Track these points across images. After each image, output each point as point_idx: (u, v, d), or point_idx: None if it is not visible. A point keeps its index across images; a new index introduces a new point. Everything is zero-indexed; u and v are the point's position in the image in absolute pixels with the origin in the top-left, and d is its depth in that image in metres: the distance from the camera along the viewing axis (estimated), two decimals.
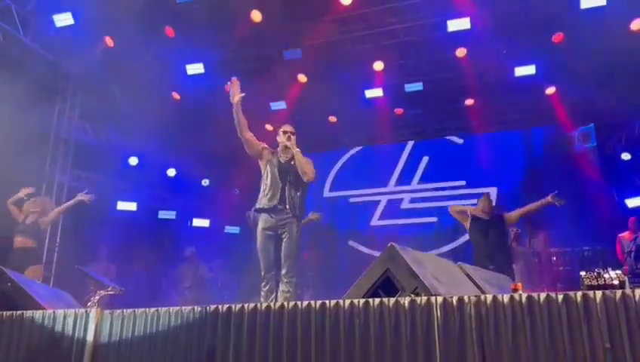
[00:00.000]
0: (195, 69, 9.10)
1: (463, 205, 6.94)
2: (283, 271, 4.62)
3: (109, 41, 8.43)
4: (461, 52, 8.85)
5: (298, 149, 4.84)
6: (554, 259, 7.88)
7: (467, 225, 6.41)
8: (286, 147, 4.87)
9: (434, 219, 10.20)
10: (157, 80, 9.29)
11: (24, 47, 7.90)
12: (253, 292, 6.48)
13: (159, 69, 9.09)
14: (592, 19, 7.88)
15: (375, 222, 10.82)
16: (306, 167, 4.77)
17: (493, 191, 9.97)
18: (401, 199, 10.77)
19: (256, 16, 8.21)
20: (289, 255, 4.63)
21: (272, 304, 3.09)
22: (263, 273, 4.72)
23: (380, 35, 8.86)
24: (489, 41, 8.69)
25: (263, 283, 4.72)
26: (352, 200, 11.17)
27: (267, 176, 4.84)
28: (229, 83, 4.82)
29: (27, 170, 7.05)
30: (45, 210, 6.54)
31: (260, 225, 4.78)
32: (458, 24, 8.17)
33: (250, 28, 8.41)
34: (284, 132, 4.91)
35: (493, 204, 6.58)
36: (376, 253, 9.93)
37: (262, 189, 4.87)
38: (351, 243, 10.78)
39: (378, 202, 10.91)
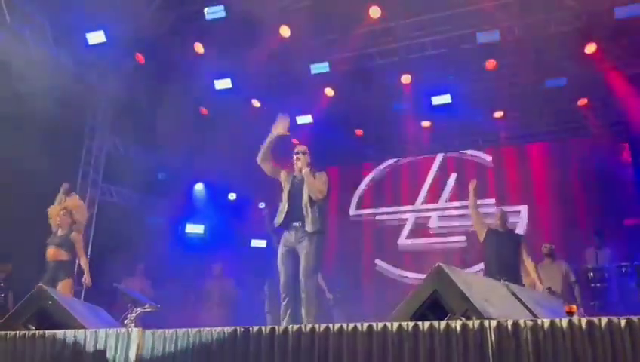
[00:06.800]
0: (223, 84, 9.16)
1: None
2: (301, 290, 4.61)
3: (140, 58, 8.53)
4: (490, 64, 8.75)
5: (307, 169, 4.83)
6: (590, 276, 7.65)
7: (482, 235, 6.16)
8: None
9: (462, 239, 9.95)
10: (185, 95, 9.37)
11: (57, 63, 8.02)
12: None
13: (188, 84, 9.17)
14: (626, 30, 7.76)
15: (402, 241, 10.53)
16: (314, 186, 4.76)
17: (523, 210, 9.72)
18: (429, 217, 10.49)
19: (284, 31, 8.26)
20: (306, 272, 4.60)
21: (316, 326, 3.03)
22: (281, 290, 4.77)
23: (408, 48, 8.81)
24: (519, 53, 8.59)
25: (282, 300, 4.75)
26: (378, 218, 10.92)
27: (284, 193, 4.93)
28: (280, 115, 4.87)
29: (59, 184, 7.10)
30: (78, 218, 6.29)
31: (280, 242, 4.86)
32: (488, 36, 8.11)
33: (278, 43, 8.45)
34: (295, 153, 4.96)
35: (508, 219, 6.43)
36: (405, 273, 9.90)
37: (280, 207, 4.94)
38: (377, 262, 10.56)
39: (405, 220, 10.66)
